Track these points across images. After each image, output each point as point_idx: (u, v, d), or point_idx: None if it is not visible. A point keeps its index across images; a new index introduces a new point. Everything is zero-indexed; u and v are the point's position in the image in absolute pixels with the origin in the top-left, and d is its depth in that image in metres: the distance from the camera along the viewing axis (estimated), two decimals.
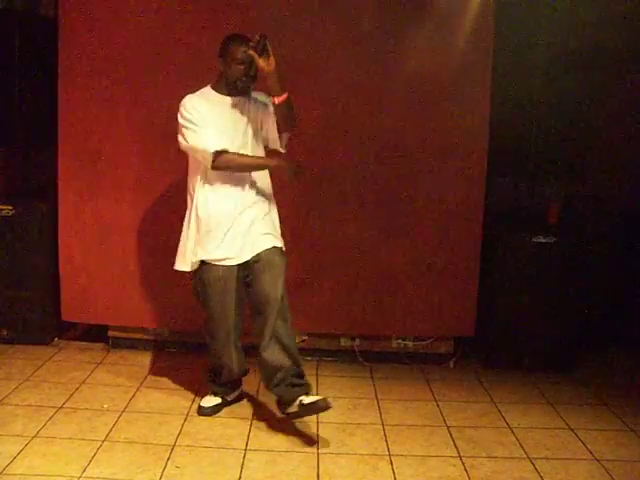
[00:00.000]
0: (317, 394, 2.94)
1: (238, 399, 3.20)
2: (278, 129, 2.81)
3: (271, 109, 2.78)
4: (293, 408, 2.85)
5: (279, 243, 2.94)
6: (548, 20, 3.90)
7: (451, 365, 3.79)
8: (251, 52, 2.63)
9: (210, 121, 2.75)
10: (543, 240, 3.65)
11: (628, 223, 4.08)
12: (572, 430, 3.06)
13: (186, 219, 2.93)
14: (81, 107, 3.57)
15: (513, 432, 3.02)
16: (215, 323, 2.94)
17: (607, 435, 3.02)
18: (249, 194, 2.86)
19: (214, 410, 3.08)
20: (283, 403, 2.91)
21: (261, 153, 2.91)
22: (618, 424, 3.13)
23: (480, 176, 3.59)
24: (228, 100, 2.83)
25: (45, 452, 2.66)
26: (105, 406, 3.12)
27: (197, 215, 2.85)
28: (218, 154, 2.70)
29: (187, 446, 2.78)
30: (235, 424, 2.99)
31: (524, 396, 3.43)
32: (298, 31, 3.46)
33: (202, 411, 3.07)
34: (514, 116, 3.93)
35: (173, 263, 3.62)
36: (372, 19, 3.49)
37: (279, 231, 2.99)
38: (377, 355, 3.80)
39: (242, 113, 2.84)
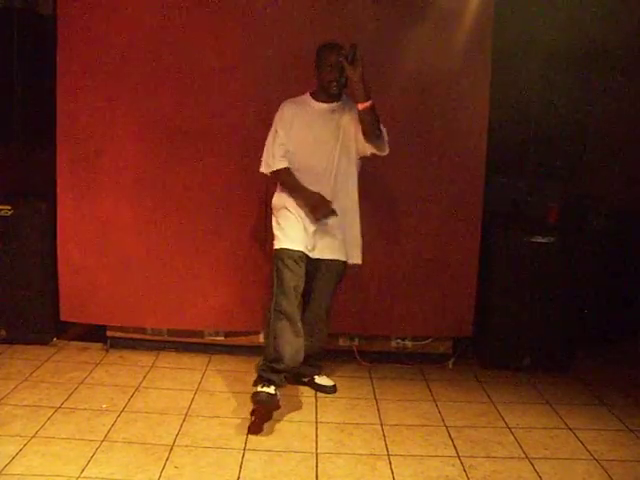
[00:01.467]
0: (328, 377, 3.45)
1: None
2: (364, 138, 2.96)
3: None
4: (303, 376, 3.39)
5: (343, 256, 3.13)
6: (547, 20, 3.90)
7: (450, 365, 3.79)
8: (341, 60, 2.84)
9: (295, 129, 2.99)
10: (542, 240, 3.65)
11: (627, 223, 4.08)
12: (571, 430, 3.07)
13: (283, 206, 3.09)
14: (80, 106, 3.56)
15: (512, 432, 3.02)
16: (288, 299, 2.98)
17: (606, 435, 3.02)
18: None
19: (273, 399, 2.91)
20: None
21: (351, 157, 3.07)
22: (617, 424, 3.13)
23: (479, 176, 3.59)
24: (324, 107, 3.03)
25: (44, 452, 2.66)
26: (104, 406, 3.12)
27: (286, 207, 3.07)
28: (276, 171, 3.03)
29: (186, 446, 2.77)
30: (234, 424, 2.99)
31: (523, 396, 3.43)
32: (297, 32, 3.46)
33: (261, 397, 2.89)
34: (513, 116, 3.93)
35: (171, 263, 3.66)
36: (371, 19, 3.49)
37: (356, 242, 3.16)
38: (376, 355, 3.80)
39: (335, 119, 3.02)
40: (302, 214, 3.04)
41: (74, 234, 3.67)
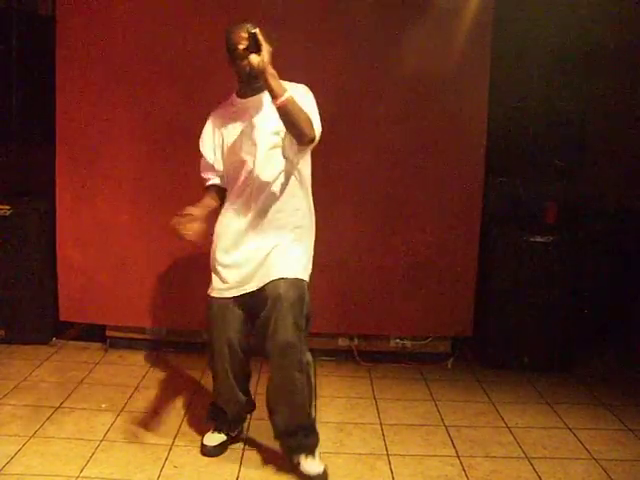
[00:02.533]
0: (318, 455, 2.60)
1: (240, 433, 2.86)
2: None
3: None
4: (292, 458, 2.60)
5: (291, 273, 2.49)
6: (547, 20, 3.89)
7: (449, 365, 3.79)
8: (244, 49, 2.35)
9: (218, 140, 2.59)
10: (541, 240, 3.65)
11: (626, 223, 4.08)
12: (570, 430, 3.06)
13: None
14: (79, 106, 3.57)
15: (511, 432, 3.03)
16: (214, 359, 2.68)
17: (605, 435, 3.02)
18: (265, 223, 2.56)
19: (220, 449, 2.72)
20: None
21: (279, 149, 2.53)
22: (616, 424, 3.13)
23: (478, 176, 3.60)
24: (245, 102, 2.55)
25: (43, 452, 2.66)
26: (103, 406, 3.12)
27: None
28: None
29: (185, 446, 2.78)
30: None
31: (522, 396, 3.43)
32: (296, 31, 3.46)
33: (206, 450, 2.70)
34: (512, 116, 3.93)
35: (170, 263, 3.66)
36: (370, 18, 3.49)
37: (304, 260, 2.62)
38: (375, 355, 3.80)
39: (261, 111, 2.52)
40: (234, 237, 2.60)
41: (73, 234, 3.67)
